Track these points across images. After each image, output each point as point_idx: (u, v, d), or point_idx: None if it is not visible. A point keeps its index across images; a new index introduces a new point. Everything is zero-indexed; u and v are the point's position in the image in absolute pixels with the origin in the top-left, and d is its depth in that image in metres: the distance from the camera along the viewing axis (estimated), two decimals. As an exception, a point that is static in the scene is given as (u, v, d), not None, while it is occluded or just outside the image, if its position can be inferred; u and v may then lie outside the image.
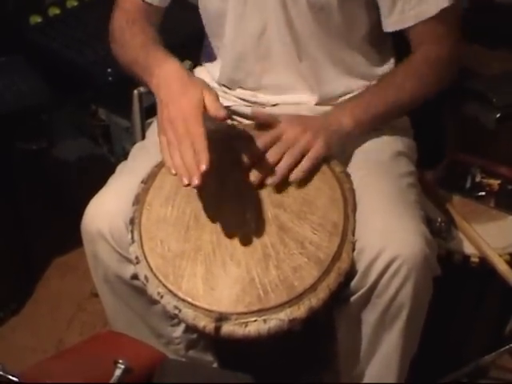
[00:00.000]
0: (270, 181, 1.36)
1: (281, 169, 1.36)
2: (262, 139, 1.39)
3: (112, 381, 1.11)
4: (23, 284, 2.16)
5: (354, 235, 1.33)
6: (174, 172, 1.28)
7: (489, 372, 1.89)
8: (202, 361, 1.62)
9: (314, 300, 1.26)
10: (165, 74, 1.38)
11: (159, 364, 1.23)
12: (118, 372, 1.12)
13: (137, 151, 1.57)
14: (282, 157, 1.37)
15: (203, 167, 1.23)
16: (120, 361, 1.12)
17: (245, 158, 1.39)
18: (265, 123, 1.45)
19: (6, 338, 2.05)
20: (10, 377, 1.01)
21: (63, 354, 1.47)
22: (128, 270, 1.41)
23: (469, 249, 1.67)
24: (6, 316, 2.09)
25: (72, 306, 2.14)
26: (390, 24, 1.49)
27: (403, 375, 1.47)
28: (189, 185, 1.25)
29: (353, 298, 1.36)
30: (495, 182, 1.82)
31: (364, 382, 1.47)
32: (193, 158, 1.25)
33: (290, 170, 1.37)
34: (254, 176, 1.37)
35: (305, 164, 1.37)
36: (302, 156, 1.37)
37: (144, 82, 1.46)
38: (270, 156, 1.37)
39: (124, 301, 1.49)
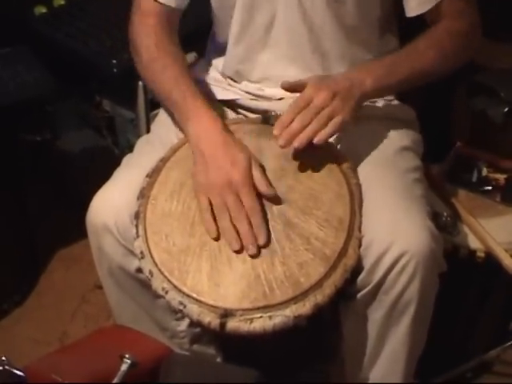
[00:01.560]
0: (296, 143, 1.32)
1: (307, 132, 1.33)
2: (292, 105, 1.36)
3: (118, 375, 1.10)
4: (27, 276, 2.17)
5: (360, 231, 1.32)
6: (213, 236, 1.31)
7: (493, 367, 1.90)
8: (206, 354, 1.62)
9: (320, 297, 1.25)
10: (206, 125, 1.38)
11: (165, 358, 1.23)
12: (124, 367, 1.12)
13: (142, 144, 1.57)
14: (310, 121, 1.34)
15: (262, 240, 1.29)
16: (126, 355, 1.12)
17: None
18: (293, 89, 1.42)
19: (9, 329, 2.05)
20: (16, 371, 1.00)
21: (68, 349, 1.47)
22: (133, 264, 1.41)
23: (475, 243, 1.66)
24: (10, 308, 2.10)
25: (76, 298, 2.14)
26: (413, 8, 1.49)
27: (411, 372, 1.46)
28: (239, 251, 1.29)
29: (359, 295, 1.36)
30: (501, 177, 1.82)
31: (371, 378, 1.46)
32: (250, 228, 1.29)
33: (316, 134, 1.33)
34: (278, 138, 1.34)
35: (330, 128, 1.34)
36: (330, 120, 1.34)
37: (177, 120, 1.46)
38: (300, 121, 1.33)
39: (128, 294, 1.48)
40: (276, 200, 1.35)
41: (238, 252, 1.30)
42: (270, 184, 1.34)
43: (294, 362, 1.80)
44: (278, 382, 1.64)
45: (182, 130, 1.45)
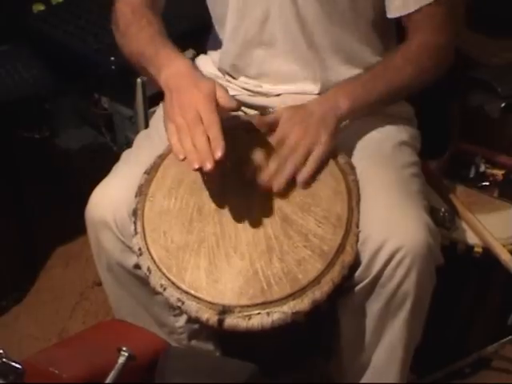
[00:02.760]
0: (275, 187, 1.34)
1: (285, 175, 1.35)
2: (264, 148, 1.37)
3: (116, 368, 1.11)
4: (26, 273, 2.17)
5: (358, 227, 1.32)
6: (182, 157, 1.28)
7: (491, 362, 1.90)
8: (205, 350, 1.62)
9: (318, 293, 1.25)
10: (175, 69, 1.38)
11: (163, 351, 1.23)
12: (121, 359, 1.12)
13: (141, 140, 1.57)
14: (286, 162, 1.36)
15: (218, 154, 1.24)
16: (124, 348, 1.12)
17: (249, 155, 1.38)
18: (266, 125, 1.43)
19: (8, 326, 2.05)
20: (14, 364, 1.00)
21: (66, 342, 1.47)
22: (131, 260, 1.41)
23: (472, 239, 1.67)
24: (9, 305, 2.10)
25: (75, 294, 2.14)
26: (393, 9, 1.48)
27: (407, 365, 1.47)
28: (199, 169, 1.25)
29: (357, 288, 1.36)
30: (499, 172, 1.83)
31: (368, 371, 1.47)
32: (206, 143, 1.25)
33: (296, 172, 1.35)
34: (259, 180, 1.35)
35: (310, 166, 1.35)
36: (308, 155, 1.36)
37: (149, 75, 1.46)
38: (274, 164, 1.35)
39: (127, 289, 1.49)
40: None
41: (197, 170, 1.26)
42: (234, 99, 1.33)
43: (291, 356, 1.80)
44: (275, 376, 1.65)
45: (156, 83, 1.43)
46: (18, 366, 1.01)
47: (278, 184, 1.34)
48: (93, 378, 1.12)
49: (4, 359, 1.00)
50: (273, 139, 1.38)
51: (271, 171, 1.34)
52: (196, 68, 1.41)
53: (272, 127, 1.40)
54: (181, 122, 1.30)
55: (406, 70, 1.47)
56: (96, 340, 1.29)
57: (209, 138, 1.26)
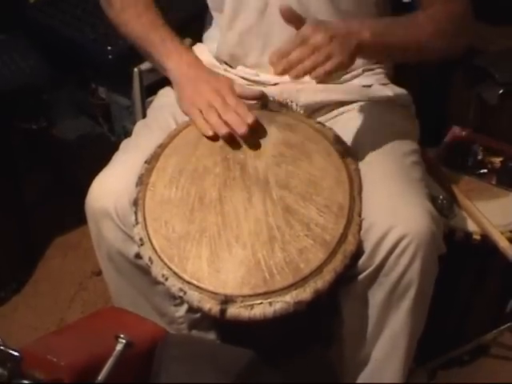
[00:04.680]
0: (292, 74, 1.30)
1: (305, 65, 1.29)
2: (288, 41, 1.32)
3: (113, 355, 1.11)
4: (24, 263, 2.16)
5: (360, 216, 1.32)
6: (211, 133, 1.41)
7: (490, 349, 1.90)
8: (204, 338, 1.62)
9: (320, 282, 1.25)
10: (188, 61, 1.49)
11: (161, 339, 1.23)
12: (119, 346, 1.12)
13: (140, 128, 1.57)
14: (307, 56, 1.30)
15: (250, 120, 1.38)
16: (121, 335, 1.12)
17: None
18: (290, 19, 1.37)
19: (7, 316, 2.05)
20: (12, 351, 1.00)
21: (64, 330, 1.47)
22: (132, 249, 1.41)
23: (471, 226, 1.67)
24: (8, 295, 2.10)
25: (73, 285, 2.14)
26: None
27: (411, 354, 1.47)
28: (227, 138, 1.39)
29: (360, 277, 1.36)
30: (497, 160, 1.83)
31: (371, 361, 1.47)
32: (236, 116, 1.39)
33: (313, 69, 1.30)
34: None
35: (328, 66, 1.30)
36: (327, 60, 1.30)
37: (152, 58, 1.55)
38: (299, 53, 1.30)
39: (128, 279, 1.48)
40: (270, 174, 1.37)
41: (224, 142, 1.40)
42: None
43: (293, 345, 1.80)
44: (275, 363, 1.65)
45: (161, 67, 1.54)
46: (15, 353, 1.00)
47: (295, 72, 1.30)
48: (91, 366, 1.12)
49: (2, 347, 1.00)
50: (297, 34, 1.32)
51: (293, 59, 1.29)
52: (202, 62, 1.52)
53: (296, 23, 1.35)
54: (206, 106, 1.42)
55: (426, 27, 1.45)
56: (94, 328, 1.29)
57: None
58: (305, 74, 1.30)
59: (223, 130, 1.39)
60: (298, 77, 1.31)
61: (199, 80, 1.46)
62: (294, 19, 1.34)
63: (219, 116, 1.41)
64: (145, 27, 1.53)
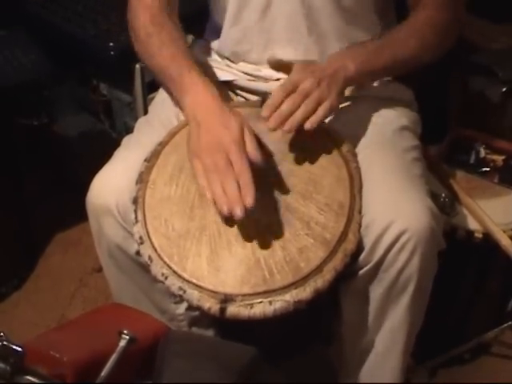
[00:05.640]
0: (287, 127, 1.31)
1: (297, 116, 1.32)
2: (278, 89, 1.35)
3: (117, 351, 1.10)
4: (25, 259, 2.17)
5: (360, 214, 1.32)
6: (209, 197, 1.27)
7: (491, 348, 1.90)
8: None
9: (320, 281, 1.25)
10: (201, 98, 1.37)
11: (163, 335, 1.22)
12: (122, 342, 1.11)
13: (141, 125, 1.56)
14: (299, 105, 1.33)
15: (250, 201, 1.24)
16: (125, 331, 1.11)
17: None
18: (278, 67, 1.42)
19: (8, 313, 2.05)
20: (14, 347, 1.00)
21: (67, 325, 1.47)
22: (133, 246, 1.40)
23: (472, 224, 1.67)
24: (8, 291, 2.10)
25: (74, 281, 2.14)
26: None
27: (409, 350, 1.47)
28: (228, 214, 1.25)
29: (359, 273, 1.36)
30: (499, 158, 1.83)
31: (370, 356, 1.47)
32: (237, 190, 1.25)
33: (305, 119, 1.32)
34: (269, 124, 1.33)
35: (319, 114, 1.33)
36: (318, 105, 1.34)
37: (170, 93, 1.47)
38: (290, 104, 1.32)
39: (128, 276, 1.48)
40: (270, 172, 1.35)
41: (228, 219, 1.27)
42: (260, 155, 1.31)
43: (292, 343, 1.80)
44: (275, 361, 1.65)
45: (178, 104, 1.44)
46: (18, 348, 1.00)
47: (289, 124, 1.31)
48: (94, 361, 1.11)
49: (5, 342, 1.00)
50: (286, 84, 1.35)
51: (284, 112, 1.31)
52: (219, 97, 1.38)
53: (283, 69, 1.40)
54: (209, 162, 1.29)
55: (409, 42, 1.47)
56: (96, 323, 1.28)
57: (238, 184, 1.26)
58: (298, 124, 1.32)
59: (224, 210, 1.25)
60: (291, 130, 1.32)
61: (206, 127, 1.34)
62: (282, 67, 1.39)
63: (222, 183, 1.28)
64: (166, 59, 1.44)
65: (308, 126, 1.32)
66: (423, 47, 1.48)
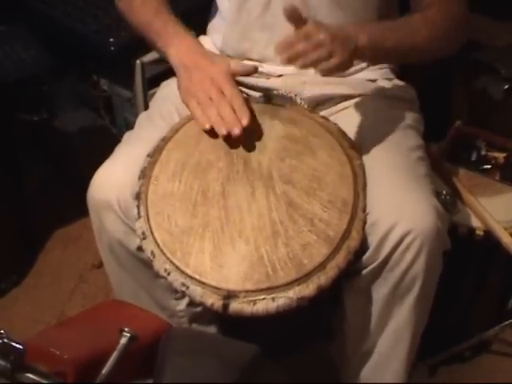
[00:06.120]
0: (299, 63, 1.29)
1: (311, 56, 1.29)
2: (293, 34, 1.31)
3: (118, 349, 1.10)
4: (25, 255, 2.16)
5: (364, 212, 1.32)
6: (208, 126, 1.38)
7: (491, 346, 1.90)
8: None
9: (323, 278, 1.25)
10: (186, 46, 1.48)
11: (164, 332, 1.22)
12: (123, 340, 1.11)
13: (142, 120, 1.56)
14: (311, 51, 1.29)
15: (245, 120, 1.35)
16: (126, 329, 1.11)
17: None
18: (293, 17, 1.35)
19: (7, 309, 2.05)
20: (15, 344, 1.00)
21: (67, 322, 1.46)
22: (134, 242, 1.40)
23: (474, 222, 1.67)
24: (8, 287, 2.10)
25: (74, 277, 2.14)
26: None
27: (413, 352, 1.46)
28: (226, 135, 1.36)
29: (364, 272, 1.35)
30: (501, 155, 1.82)
31: (374, 356, 1.46)
32: (232, 112, 1.37)
33: (317, 62, 1.29)
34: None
35: (333, 61, 1.29)
36: (329, 58, 1.30)
37: (157, 47, 1.54)
38: (302, 45, 1.29)
39: (129, 272, 1.48)
40: (273, 168, 1.36)
41: (226, 137, 1.37)
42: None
43: (295, 340, 1.80)
44: (276, 358, 1.65)
45: (163, 54, 1.53)
46: (18, 346, 1.00)
47: (302, 62, 1.29)
48: (94, 359, 1.11)
49: (5, 339, 0.99)
50: (298, 33, 1.30)
51: (299, 50, 1.29)
52: (203, 46, 1.51)
53: (298, 21, 1.34)
54: (203, 96, 1.40)
55: (420, 30, 1.46)
56: (97, 320, 1.28)
57: (233, 110, 1.37)
58: (310, 65, 1.30)
59: (223, 131, 1.36)
60: (303, 66, 1.30)
61: (195, 67, 1.44)
62: (297, 18, 1.33)
63: (217, 110, 1.38)
64: (149, 14, 1.53)
65: (320, 68, 1.30)
66: (434, 37, 1.47)
